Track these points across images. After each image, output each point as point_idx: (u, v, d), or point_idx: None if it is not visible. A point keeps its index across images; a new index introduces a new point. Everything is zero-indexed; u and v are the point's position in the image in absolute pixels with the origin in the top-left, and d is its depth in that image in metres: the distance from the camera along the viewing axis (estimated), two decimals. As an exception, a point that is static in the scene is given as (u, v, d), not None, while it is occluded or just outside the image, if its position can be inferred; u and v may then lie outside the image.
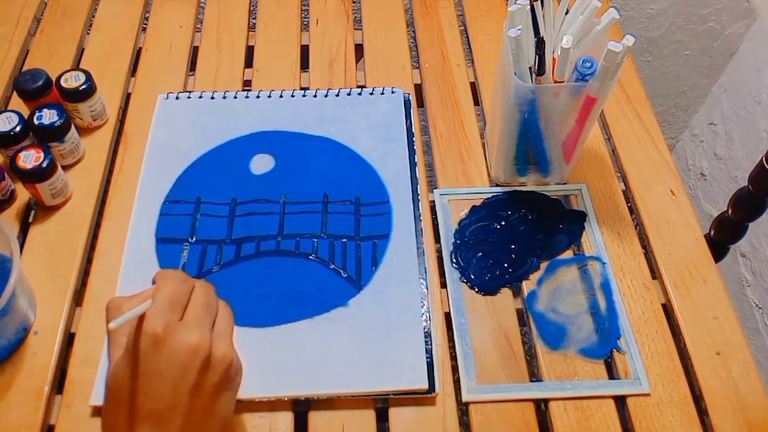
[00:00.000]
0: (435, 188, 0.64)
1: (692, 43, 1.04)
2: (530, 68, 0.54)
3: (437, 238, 0.61)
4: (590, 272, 0.59)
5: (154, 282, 0.45)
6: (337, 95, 0.70)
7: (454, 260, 0.59)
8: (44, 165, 0.57)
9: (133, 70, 0.74)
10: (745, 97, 0.94)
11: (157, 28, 0.77)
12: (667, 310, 0.57)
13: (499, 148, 0.61)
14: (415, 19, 0.80)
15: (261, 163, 0.65)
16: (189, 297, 0.43)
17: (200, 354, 0.41)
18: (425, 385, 0.51)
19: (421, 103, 0.72)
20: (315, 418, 0.51)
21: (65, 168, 0.63)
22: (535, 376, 0.54)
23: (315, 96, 0.70)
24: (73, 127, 0.63)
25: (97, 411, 0.50)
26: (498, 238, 0.61)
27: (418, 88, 0.73)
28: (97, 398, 0.50)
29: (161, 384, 0.40)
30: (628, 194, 0.65)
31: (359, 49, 0.76)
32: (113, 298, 0.45)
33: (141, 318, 0.41)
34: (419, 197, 0.62)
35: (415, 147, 0.66)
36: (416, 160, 0.65)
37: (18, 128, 0.60)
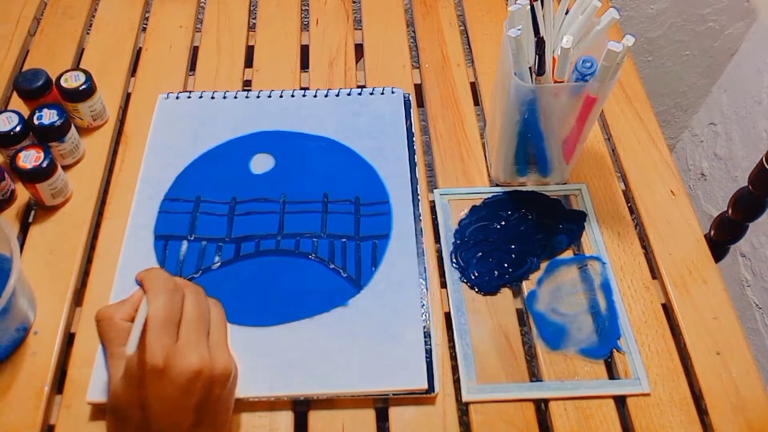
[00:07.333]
0: (435, 188, 0.64)
1: (692, 43, 1.04)
2: (530, 68, 0.54)
3: (437, 238, 0.61)
4: (590, 272, 0.59)
5: (137, 282, 0.44)
6: (337, 95, 0.70)
7: (454, 260, 0.59)
8: (44, 165, 0.57)
9: (133, 70, 0.74)
10: (745, 97, 0.94)
11: (157, 28, 0.77)
12: (667, 310, 0.57)
13: (499, 148, 0.61)
14: (415, 19, 0.80)
15: (261, 163, 0.65)
16: (182, 309, 0.43)
17: (202, 376, 0.41)
18: (425, 385, 0.51)
19: (421, 103, 0.72)
20: (315, 418, 0.51)
21: (65, 168, 0.63)
22: (535, 376, 0.54)
23: (315, 96, 0.70)
24: (73, 127, 0.63)
25: (95, 409, 0.50)
26: (498, 238, 0.60)
27: (418, 88, 0.73)
28: (94, 395, 0.50)
29: (165, 407, 0.40)
30: (628, 194, 0.65)
31: (359, 49, 0.76)
32: (102, 309, 0.45)
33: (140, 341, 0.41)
34: (419, 197, 0.62)
35: (415, 147, 0.66)
36: (416, 160, 0.65)
37: (18, 128, 0.60)
